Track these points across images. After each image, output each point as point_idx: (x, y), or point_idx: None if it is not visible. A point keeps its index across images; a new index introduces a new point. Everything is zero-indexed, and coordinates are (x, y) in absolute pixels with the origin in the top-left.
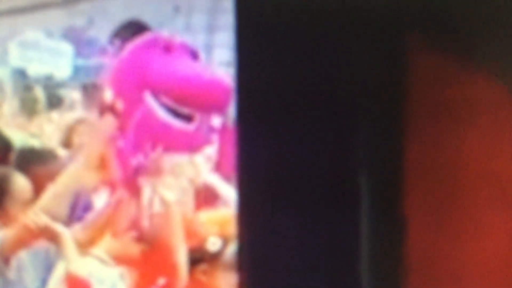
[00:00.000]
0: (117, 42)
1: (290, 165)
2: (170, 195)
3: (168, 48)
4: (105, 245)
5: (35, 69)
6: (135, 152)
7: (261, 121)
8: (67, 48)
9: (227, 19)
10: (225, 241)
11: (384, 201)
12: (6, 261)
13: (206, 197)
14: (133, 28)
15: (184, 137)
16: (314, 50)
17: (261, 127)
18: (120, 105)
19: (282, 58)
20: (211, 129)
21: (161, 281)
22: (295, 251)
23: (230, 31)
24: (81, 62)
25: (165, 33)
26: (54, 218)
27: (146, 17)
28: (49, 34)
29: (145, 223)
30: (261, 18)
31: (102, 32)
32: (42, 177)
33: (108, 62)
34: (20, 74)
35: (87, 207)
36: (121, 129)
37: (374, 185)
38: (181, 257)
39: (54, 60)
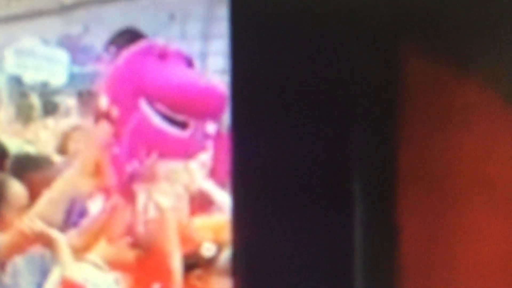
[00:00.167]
0: (113, 49)
1: (284, 171)
2: (165, 201)
3: (163, 55)
4: (100, 250)
5: (31, 76)
6: (130, 158)
7: (255, 127)
8: (62, 56)
9: (222, 27)
10: (220, 247)
11: (378, 206)
12: (2, 266)
13: (201, 203)
14: (128, 36)
15: (179, 144)
16: (308, 57)
17: (255, 134)
18: (115, 112)
19: (276, 66)
20: (206, 136)
21: (156, 286)
22: (289, 257)
23: (224, 39)
24: (76, 69)
25: (160, 41)
26: (50, 223)
27: (141, 24)
28: (45, 42)
29: (140, 228)
30: (256, 26)
31: (98, 39)
32: (37, 183)
33: (104, 69)
34: (16, 81)
35: (83, 213)
36: (116, 135)
37: (368, 191)
38: (176, 263)
39: (50, 67)
